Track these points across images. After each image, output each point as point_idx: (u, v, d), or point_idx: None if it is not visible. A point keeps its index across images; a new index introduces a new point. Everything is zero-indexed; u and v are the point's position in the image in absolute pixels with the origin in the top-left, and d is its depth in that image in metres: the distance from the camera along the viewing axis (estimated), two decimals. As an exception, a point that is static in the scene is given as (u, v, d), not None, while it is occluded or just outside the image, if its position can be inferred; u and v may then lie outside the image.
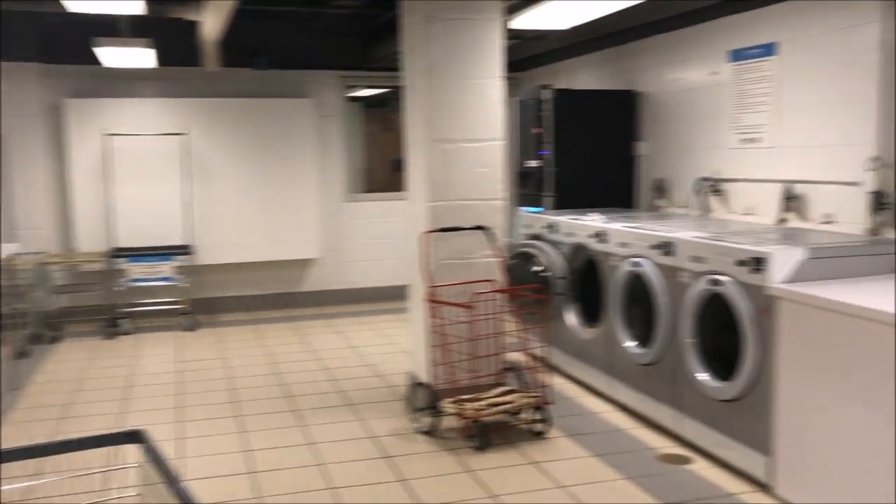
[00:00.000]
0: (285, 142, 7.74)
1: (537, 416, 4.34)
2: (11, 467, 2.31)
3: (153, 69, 7.18)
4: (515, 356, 4.95)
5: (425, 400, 4.41)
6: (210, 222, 7.55)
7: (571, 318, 5.29)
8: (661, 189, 6.10)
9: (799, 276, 3.42)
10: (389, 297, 8.11)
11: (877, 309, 2.89)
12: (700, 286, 3.90)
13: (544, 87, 6.23)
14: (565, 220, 5.34)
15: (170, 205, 7.39)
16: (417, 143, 4.67)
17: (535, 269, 5.40)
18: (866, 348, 2.95)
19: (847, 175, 4.39)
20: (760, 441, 3.53)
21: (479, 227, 4.63)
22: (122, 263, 7.06)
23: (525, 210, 6.27)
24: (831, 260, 3.52)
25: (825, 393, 3.16)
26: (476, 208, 4.65)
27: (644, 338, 4.48)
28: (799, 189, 4.76)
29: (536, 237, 5.67)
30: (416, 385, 4.55)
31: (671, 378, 4.18)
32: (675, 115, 5.95)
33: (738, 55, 5.23)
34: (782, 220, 4.80)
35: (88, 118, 7.16)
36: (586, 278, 5.20)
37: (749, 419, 3.60)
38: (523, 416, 4.44)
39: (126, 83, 7.33)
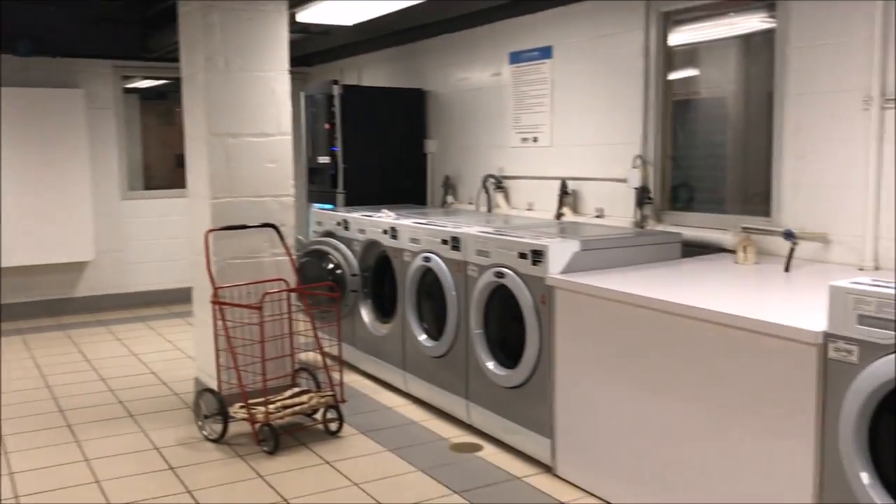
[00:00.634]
0: (54, 135, 7.12)
1: (331, 416, 4.30)
2: None
3: None
4: (309, 356, 4.88)
5: (213, 406, 4.23)
6: (-35, 223, 6.79)
7: (366, 314, 5.29)
8: (449, 186, 6.26)
9: (573, 266, 3.63)
10: (174, 300, 7.70)
11: (638, 294, 3.12)
12: (486, 279, 4.03)
13: (333, 82, 6.18)
14: (357, 216, 5.33)
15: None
16: (197, 137, 4.46)
17: (328, 266, 5.35)
18: (631, 330, 3.18)
19: (616, 172, 4.73)
20: (543, 425, 3.71)
21: (267, 225, 4.50)
22: None
23: (317, 207, 6.20)
24: (602, 251, 3.77)
25: (595, 375, 3.37)
26: (265, 205, 4.52)
27: (436, 331, 4.57)
28: (574, 185, 5.07)
29: (329, 234, 5.62)
30: (203, 391, 4.35)
31: (462, 369, 4.30)
32: (461, 115, 6.13)
33: (518, 57, 5.48)
34: (560, 215, 5.09)
35: None
36: (379, 275, 5.22)
37: (533, 405, 3.78)
38: (318, 416, 4.38)
39: None
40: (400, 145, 6.44)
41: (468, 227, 4.33)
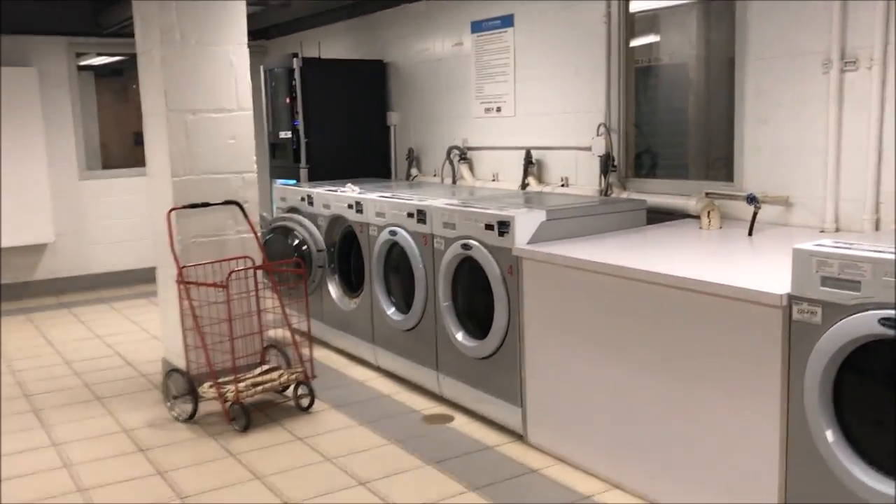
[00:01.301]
0: (7, 115, 6.93)
1: (302, 392, 4.29)
2: None
3: None
4: (277, 333, 4.85)
5: (182, 387, 4.20)
6: (-83, 208, 6.61)
7: (333, 290, 5.27)
8: (414, 158, 6.22)
9: (540, 236, 3.64)
10: (137, 280, 7.60)
11: (604, 262, 3.14)
12: (453, 251, 4.03)
13: (293, 55, 6.09)
14: (321, 191, 5.28)
15: None
16: (155, 114, 4.37)
17: (293, 243, 5.30)
18: (598, 298, 3.21)
19: (580, 141, 4.74)
20: (514, 394, 3.74)
21: (231, 202, 4.44)
22: None
23: (280, 182, 6.13)
24: (568, 220, 3.78)
25: (564, 343, 3.40)
26: (227, 182, 4.45)
27: (404, 304, 4.56)
28: (538, 155, 5.07)
29: (293, 210, 5.57)
30: (172, 371, 4.31)
31: (431, 341, 4.30)
32: (423, 86, 6.08)
33: (479, 26, 5.43)
34: (525, 185, 5.09)
35: None
36: (346, 249, 5.19)
37: (503, 374, 3.80)
38: (289, 392, 4.37)
39: None
40: (363, 118, 6.38)
41: (434, 200, 4.32)
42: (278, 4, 6.38)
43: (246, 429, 3.98)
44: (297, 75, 6.04)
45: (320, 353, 5.18)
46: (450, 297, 4.14)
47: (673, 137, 4.60)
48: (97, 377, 4.97)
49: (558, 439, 3.54)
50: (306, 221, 5.35)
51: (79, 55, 7.48)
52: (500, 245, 3.70)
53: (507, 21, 5.19)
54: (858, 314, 2.30)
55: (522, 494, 3.26)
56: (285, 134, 6.23)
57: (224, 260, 4.39)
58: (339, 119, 6.21)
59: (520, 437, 3.77)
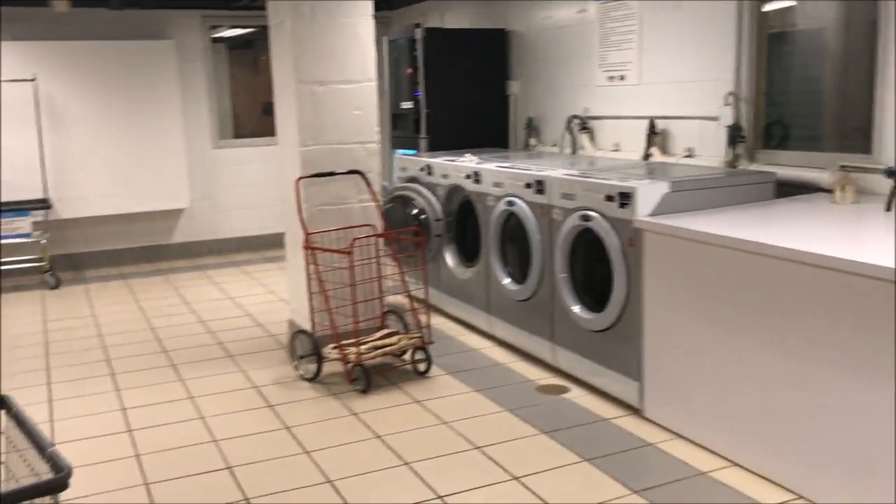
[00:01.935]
0: (147, 87, 7.35)
1: (419, 357, 4.41)
2: None
3: (-7, 9, 6.63)
4: (396, 299, 4.98)
5: (307, 347, 4.39)
6: (69, 174, 7.13)
7: (450, 258, 5.35)
8: (533, 128, 6.20)
9: (663, 208, 3.58)
10: (265, 245, 7.96)
11: (730, 236, 3.06)
12: (571, 222, 4.01)
13: (416, 26, 6.16)
14: (440, 161, 5.35)
15: (23, 156, 6.91)
16: (285, 85, 4.54)
17: (412, 212, 5.41)
18: (722, 273, 3.13)
19: (707, 110, 4.59)
20: (631, 367, 3.72)
21: (354, 172, 4.57)
22: (-27, 221, 6.59)
23: (400, 153, 6.24)
24: (692, 192, 3.69)
25: (684, 318, 3.35)
26: (351, 152, 4.59)
27: (520, 275, 4.59)
28: (662, 125, 4.95)
29: (413, 180, 5.67)
30: (298, 333, 4.51)
31: (547, 312, 4.32)
32: (545, 54, 6.03)
33: (604, -6, 5.32)
34: (648, 156, 4.99)
35: (-78, 64, 6.56)
36: (463, 219, 5.26)
37: (620, 347, 3.78)
38: (406, 357, 4.50)
39: (-37, 25, 6.75)
40: (482, 88, 6.39)
41: (552, 170, 4.30)
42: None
43: (366, 390, 4.13)
44: (419, 46, 6.10)
45: (437, 320, 5.29)
46: (566, 268, 4.14)
47: (806, 107, 4.39)
48: (229, 336, 5.26)
49: (676, 414, 3.50)
50: (425, 191, 5.44)
51: (212, 28, 7.82)
52: (620, 217, 3.66)
53: (632, -13, 5.06)
54: None
55: (637, 466, 3.25)
56: (407, 104, 6.33)
57: (348, 227, 4.54)
58: (459, 89, 6.25)
59: (636, 411, 3.74)
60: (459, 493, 3.09)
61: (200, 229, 7.93)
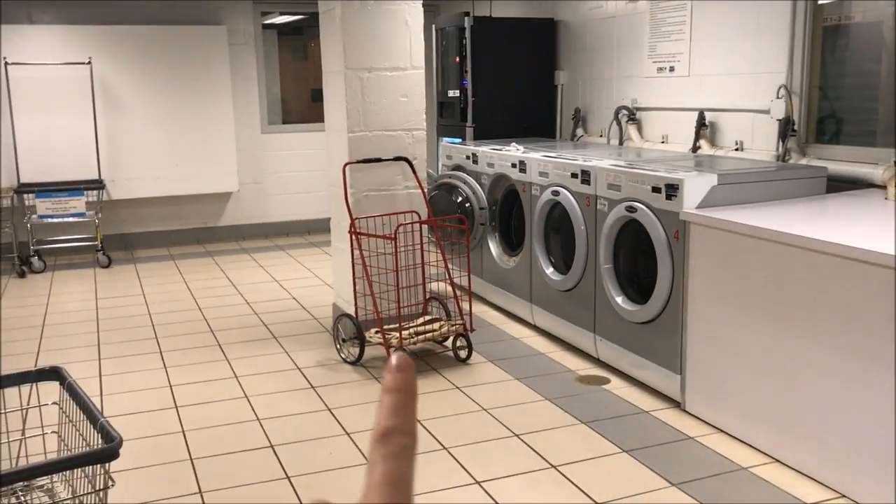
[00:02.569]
0: (198, 71, 7.47)
1: (460, 344, 4.43)
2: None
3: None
4: (439, 286, 5.01)
5: (350, 331, 4.44)
6: (122, 156, 7.30)
7: (493, 247, 5.36)
8: (579, 118, 6.17)
9: (710, 201, 3.54)
10: (311, 230, 8.05)
11: (778, 230, 3.02)
12: (617, 213, 3.99)
13: (465, 14, 6.16)
14: (486, 150, 5.36)
15: (78, 137, 7.09)
16: (334, 71, 4.58)
17: (457, 199, 5.43)
18: (769, 267, 3.10)
19: (757, 103, 4.53)
20: (673, 360, 3.70)
21: (400, 158, 4.61)
22: (29, 199, 6.77)
23: (446, 141, 6.26)
24: (741, 185, 3.65)
25: (729, 312, 3.32)
26: (397, 139, 4.62)
27: (563, 265, 4.59)
28: (711, 117, 4.89)
29: (458, 168, 5.69)
30: (341, 316, 4.57)
31: (590, 303, 4.31)
32: (593, 44, 5.99)
33: (655, -17, 5.26)
34: (696, 148, 4.94)
35: (-16, 46, 6.76)
36: (507, 208, 5.26)
37: (662, 340, 3.76)
38: (447, 343, 4.53)
39: (24, 9, 6.92)
40: (529, 78, 6.37)
41: (599, 161, 4.28)
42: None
43: (407, 375, 4.17)
44: (467, 34, 6.10)
45: (479, 308, 5.31)
46: (611, 259, 4.12)
47: (861, 102, 4.30)
48: (274, 318, 5.35)
49: (718, 409, 3.48)
50: (470, 179, 5.46)
51: (263, 14, 7.91)
52: (667, 209, 3.63)
53: (684, -23, 5.00)
54: None
55: (677, 460, 3.24)
56: (454, 93, 6.34)
57: (393, 214, 4.58)
58: (506, 78, 6.24)
59: (677, 404, 3.73)
60: (497, 479, 3.11)
61: (248, 213, 8.05)
